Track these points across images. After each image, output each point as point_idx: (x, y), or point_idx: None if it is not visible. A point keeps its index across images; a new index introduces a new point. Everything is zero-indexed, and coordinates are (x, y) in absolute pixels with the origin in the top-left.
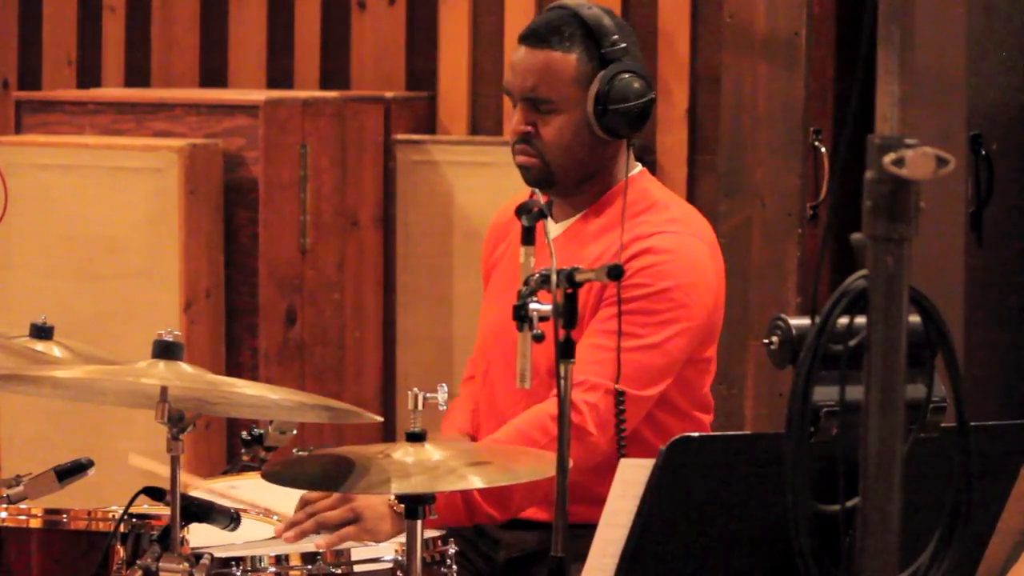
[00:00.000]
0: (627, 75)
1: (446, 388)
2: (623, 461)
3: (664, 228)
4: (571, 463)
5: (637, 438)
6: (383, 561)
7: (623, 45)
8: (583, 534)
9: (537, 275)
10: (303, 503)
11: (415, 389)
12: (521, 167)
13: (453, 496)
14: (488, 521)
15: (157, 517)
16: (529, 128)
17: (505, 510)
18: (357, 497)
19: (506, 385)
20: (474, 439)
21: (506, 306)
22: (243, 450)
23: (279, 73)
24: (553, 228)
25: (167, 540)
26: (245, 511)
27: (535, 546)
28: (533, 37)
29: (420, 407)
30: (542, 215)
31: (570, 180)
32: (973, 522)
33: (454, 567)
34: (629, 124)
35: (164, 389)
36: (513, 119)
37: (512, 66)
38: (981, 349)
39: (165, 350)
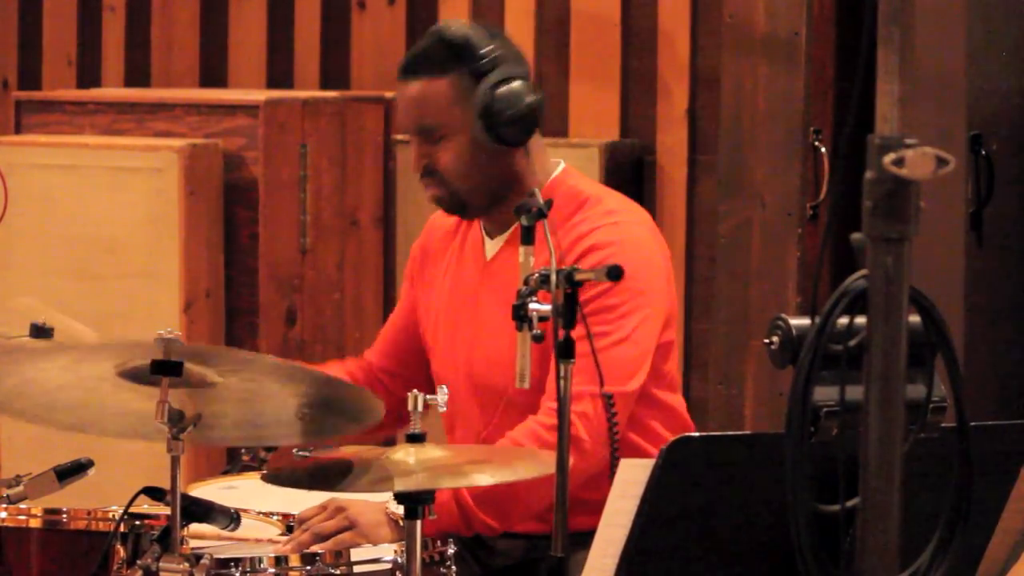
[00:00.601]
0: (506, 83)
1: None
2: (623, 461)
3: (602, 221)
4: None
5: None
6: (383, 561)
7: (496, 55)
8: (571, 543)
9: (537, 275)
10: (299, 521)
11: (415, 390)
12: (433, 200)
13: (448, 502)
14: (486, 531)
15: (157, 517)
16: (426, 160)
17: (502, 520)
18: (350, 505)
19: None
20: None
21: (469, 336)
22: (243, 450)
23: (279, 73)
24: (490, 245)
25: (167, 540)
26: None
27: (524, 554)
28: (405, 70)
29: (420, 408)
30: (541, 215)
31: (482, 200)
32: (973, 522)
33: (453, 567)
34: (521, 129)
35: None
36: (411, 156)
37: (396, 104)
38: (981, 349)
39: None
